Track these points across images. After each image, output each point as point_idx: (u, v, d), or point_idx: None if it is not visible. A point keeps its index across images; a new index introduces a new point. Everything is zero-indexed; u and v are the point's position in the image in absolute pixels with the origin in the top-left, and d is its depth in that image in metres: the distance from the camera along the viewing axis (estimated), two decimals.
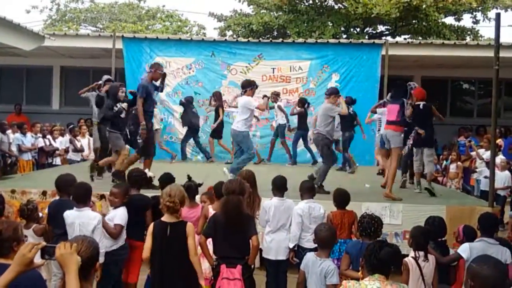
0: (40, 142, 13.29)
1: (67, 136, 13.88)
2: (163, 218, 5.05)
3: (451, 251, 5.78)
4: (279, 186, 6.43)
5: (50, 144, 13.49)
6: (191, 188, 6.33)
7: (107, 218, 5.81)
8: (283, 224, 6.20)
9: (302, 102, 13.39)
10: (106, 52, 14.44)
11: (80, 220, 5.44)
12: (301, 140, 13.38)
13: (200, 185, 6.63)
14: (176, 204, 4.95)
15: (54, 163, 13.41)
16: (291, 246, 6.16)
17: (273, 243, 6.17)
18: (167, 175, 6.73)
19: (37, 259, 2.84)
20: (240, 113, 9.19)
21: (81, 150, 13.72)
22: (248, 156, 9.10)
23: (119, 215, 5.83)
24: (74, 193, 5.68)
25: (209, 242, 5.36)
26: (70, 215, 5.52)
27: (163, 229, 4.96)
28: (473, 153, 12.55)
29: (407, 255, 5.29)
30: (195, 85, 14.77)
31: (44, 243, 2.84)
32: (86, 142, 13.89)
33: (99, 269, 3.26)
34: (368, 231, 5.28)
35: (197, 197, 6.55)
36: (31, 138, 13.06)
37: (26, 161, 12.74)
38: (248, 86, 9.13)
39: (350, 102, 11.94)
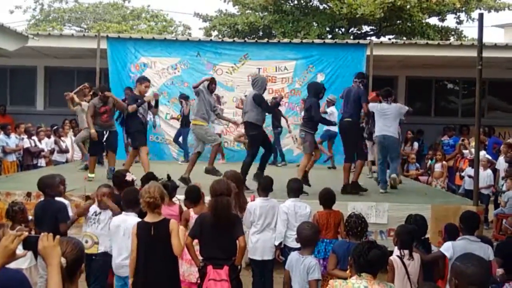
0: (26, 143, 13.19)
1: (52, 137, 13.78)
2: (145, 219, 5.02)
3: (434, 249, 5.84)
4: (265, 187, 6.48)
5: (35, 145, 13.39)
6: (168, 188, 6.33)
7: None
8: (268, 223, 6.23)
9: (184, 98, 13.50)
10: (91, 52, 14.35)
11: (126, 224, 5.38)
12: None
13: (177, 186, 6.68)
14: (156, 200, 4.92)
15: (39, 164, 13.31)
16: (276, 243, 6.19)
17: (259, 243, 6.18)
18: (149, 175, 6.73)
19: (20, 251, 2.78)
20: (393, 120, 9.16)
21: (66, 151, 13.63)
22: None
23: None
24: (124, 198, 5.65)
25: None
26: (116, 219, 5.50)
27: (146, 229, 4.93)
28: (466, 152, 12.65)
29: (392, 251, 5.33)
30: (180, 85, 14.70)
31: (26, 234, 2.78)
32: (70, 143, 13.80)
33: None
34: (355, 231, 5.33)
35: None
36: (15, 139, 12.94)
37: (10, 162, 12.62)
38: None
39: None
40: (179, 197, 6.66)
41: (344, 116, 9.13)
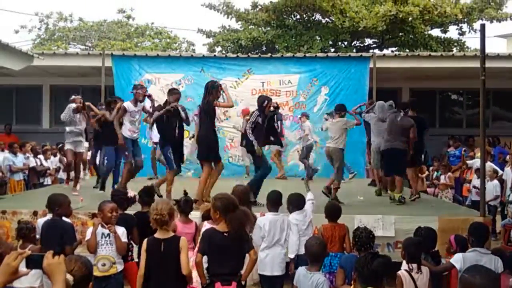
0: (32, 162, 13.21)
1: (58, 156, 13.81)
2: (156, 235, 5.00)
3: (443, 262, 5.80)
4: (274, 201, 6.39)
5: (41, 164, 13.42)
6: (188, 203, 6.32)
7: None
8: (278, 239, 6.14)
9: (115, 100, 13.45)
10: (96, 70, 14.46)
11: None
12: None
13: (195, 201, 6.57)
14: (163, 216, 4.89)
15: (45, 183, 13.32)
16: (292, 256, 6.11)
17: (268, 258, 6.08)
18: (146, 190, 6.71)
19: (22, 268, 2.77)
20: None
21: None
22: None
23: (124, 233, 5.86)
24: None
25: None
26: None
27: (156, 245, 4.92)
28: (471, 162, 12.63)
29: (399, 263, 5.30)
30: (184, 101, 14.69)
31: (29, 252, 2.74)
32: None
33: None
34: (366, 246, 5.31)
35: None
36: (22, 158, 12.98)
37: (17, 181, 12.64)
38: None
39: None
40: (195, 213, 6.63)
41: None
